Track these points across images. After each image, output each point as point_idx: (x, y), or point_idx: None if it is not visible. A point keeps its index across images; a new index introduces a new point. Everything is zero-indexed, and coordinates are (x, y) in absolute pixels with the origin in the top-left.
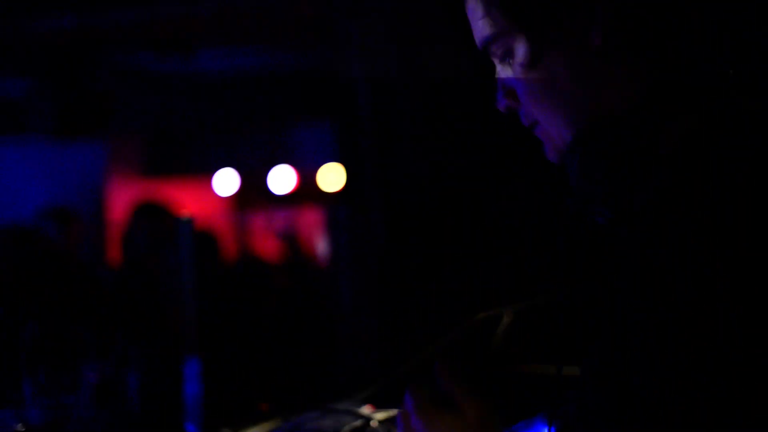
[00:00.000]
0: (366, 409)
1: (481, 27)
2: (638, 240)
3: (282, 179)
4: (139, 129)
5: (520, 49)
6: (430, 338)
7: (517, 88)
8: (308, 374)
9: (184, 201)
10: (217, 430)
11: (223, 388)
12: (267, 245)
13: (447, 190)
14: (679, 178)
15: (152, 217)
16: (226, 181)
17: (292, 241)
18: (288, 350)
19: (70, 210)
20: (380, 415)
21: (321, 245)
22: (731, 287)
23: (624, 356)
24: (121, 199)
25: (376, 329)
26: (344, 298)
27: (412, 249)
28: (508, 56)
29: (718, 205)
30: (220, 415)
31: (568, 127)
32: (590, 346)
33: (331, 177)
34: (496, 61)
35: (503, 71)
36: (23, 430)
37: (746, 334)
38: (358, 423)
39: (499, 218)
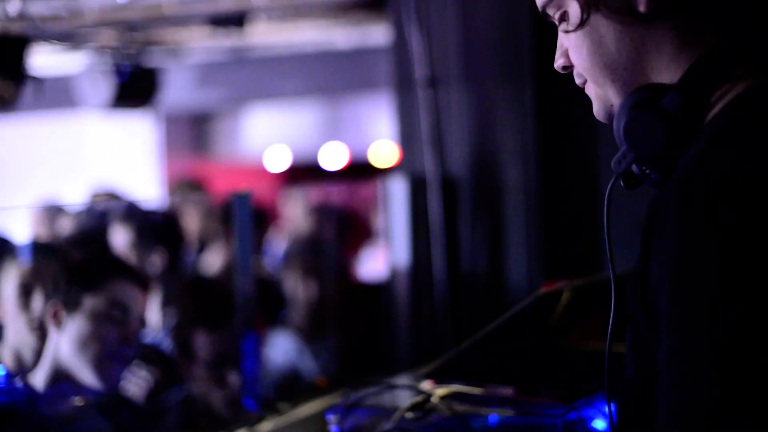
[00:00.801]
0: (427, 385)
1: None
2: (666, 208)
3: (334, 156)
4: (188, 107)
5: (572, 12)
6: (490, 314)
7: (569, 48)
8: (368, 349)
9: (234, 179)
10: (275, 404)
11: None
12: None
13: (504, 165)
14: (714, 149)
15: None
16: (278, 158)
17: (345, 217)
18: (347, 325)
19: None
20: (441, 391)
21: (376, 221)
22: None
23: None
24: (173, 178)
25: (436, 305)
26: (401, 274)
27: (471, 223)
28: (563, 19)
29: (747, 182)
30: (278, 390)
31: (615, 89)
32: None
33: (384, 153)
34: (555, 23)
35: (560, 32)
36: (81, 403)
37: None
38: (419, 398)
39: (560, 189)
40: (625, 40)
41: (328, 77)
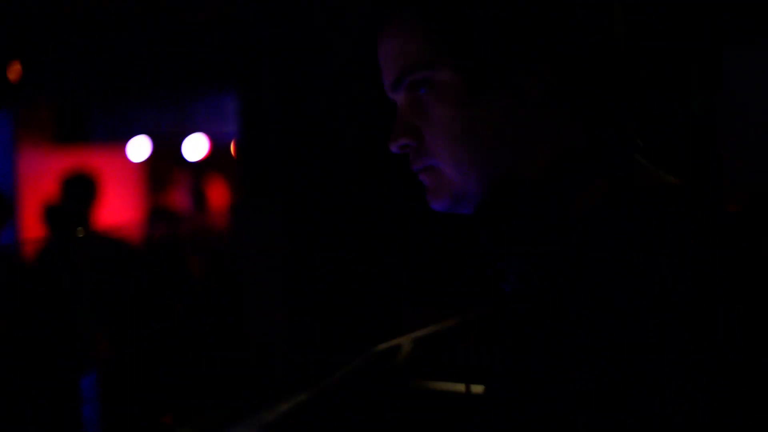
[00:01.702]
0: None
1: (401, 52)
2: (539, 312)
3: (195, 147)
4: (50, 96)
5: (446, 84)
6: (332, 364)
7: (426, 125)
8: (213, 382)
9: (97, 168)
10: None
11: (123, 403)
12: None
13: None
14: (582, 251)
15: (83, 189)
16: (139, 148)
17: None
18: (191, 354)
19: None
20: None
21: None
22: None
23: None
24: (34, 169)
25: (284, 335)
26: (250, 297)
27: (318, 246)
28: (425, 87)
29: (615, 285)
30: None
31: (476, 174)
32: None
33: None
34: (401, 95)
35: (412, 105)
36: None
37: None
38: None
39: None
40: (505, 124)
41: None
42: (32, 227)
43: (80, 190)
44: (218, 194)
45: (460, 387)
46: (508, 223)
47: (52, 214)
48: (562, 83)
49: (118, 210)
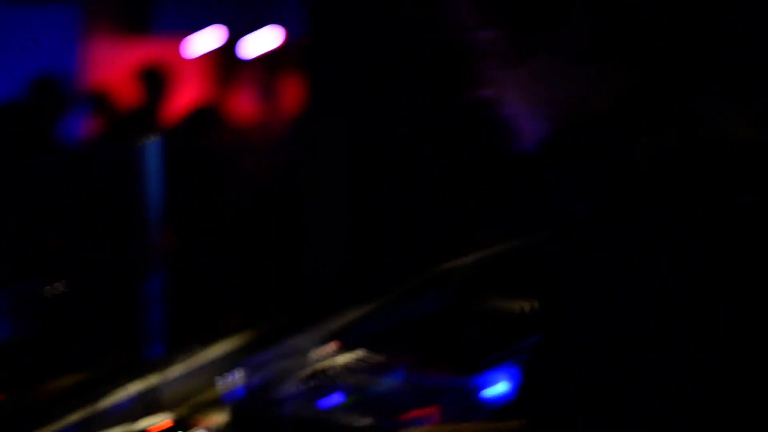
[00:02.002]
0: (330, 347)
1: (459, 9)
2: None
3: (265, 41)
4: None
5: (504, 42)
6: (395, 282)
7: (497, 77)
8: (276, 285)
9: (165, 60)
10: (186, 347)
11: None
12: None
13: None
14: (641, 206)
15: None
16: (207, 40)
17: None
18: (254, 259)
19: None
20: (341, 359)
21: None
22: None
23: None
24: (101, 60)
25: (345, 249)
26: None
27: (383, 163)
28: (493, 45)
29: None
30: (188, 332)
31: (542, 125)
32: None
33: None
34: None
35: (487, 58)
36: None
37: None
38: (317, 367)
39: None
40: (559, 78)
41: None
42: (99, 121)
43: (151, 84)
44: (289, 96)
45: (516, 305)
46: (569, 169)
47: (121, 113)
48: (607, 37)
49: (184, 105)
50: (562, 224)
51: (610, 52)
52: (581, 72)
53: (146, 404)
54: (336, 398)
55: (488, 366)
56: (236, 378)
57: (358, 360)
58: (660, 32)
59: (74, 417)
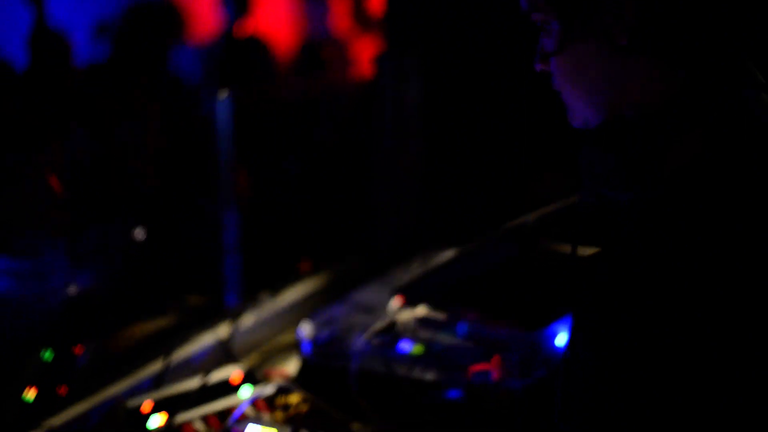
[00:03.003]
0: (396, 302)
1: None
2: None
3: None
4: None
5: (553, 30)
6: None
7: (550, 58)
8: (345, 232)
9: None
10: (256, 293)
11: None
12: None
13: None
14: (679, 206)
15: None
16: None
17: None
18: (325, 207)
19: None
20: (406, 314)
21: None
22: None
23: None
24: None
25: (416, 201)
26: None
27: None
28: (546, 27)
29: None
30: (260, 281)
31: (590, 109)
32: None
33: None
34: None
35: (543, 37)
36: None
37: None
38: (384, 323)
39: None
40: (603, 68)
41: None
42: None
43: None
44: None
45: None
46: (617, 152)
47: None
48: (649, 30)
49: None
50: (604, 210)
51: (655, 45)
52: (626, 64)
53: (219, 355)
54: (403, 352)
55: (553, 320)
56: (305, 332)
57: (424, 315)
58: (709, 29)
59: (149, 369)
